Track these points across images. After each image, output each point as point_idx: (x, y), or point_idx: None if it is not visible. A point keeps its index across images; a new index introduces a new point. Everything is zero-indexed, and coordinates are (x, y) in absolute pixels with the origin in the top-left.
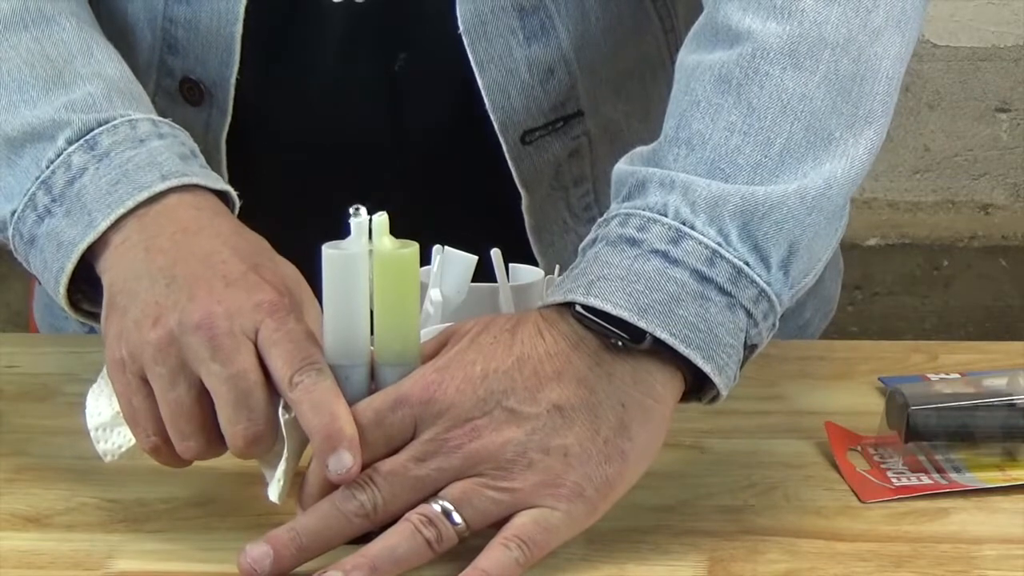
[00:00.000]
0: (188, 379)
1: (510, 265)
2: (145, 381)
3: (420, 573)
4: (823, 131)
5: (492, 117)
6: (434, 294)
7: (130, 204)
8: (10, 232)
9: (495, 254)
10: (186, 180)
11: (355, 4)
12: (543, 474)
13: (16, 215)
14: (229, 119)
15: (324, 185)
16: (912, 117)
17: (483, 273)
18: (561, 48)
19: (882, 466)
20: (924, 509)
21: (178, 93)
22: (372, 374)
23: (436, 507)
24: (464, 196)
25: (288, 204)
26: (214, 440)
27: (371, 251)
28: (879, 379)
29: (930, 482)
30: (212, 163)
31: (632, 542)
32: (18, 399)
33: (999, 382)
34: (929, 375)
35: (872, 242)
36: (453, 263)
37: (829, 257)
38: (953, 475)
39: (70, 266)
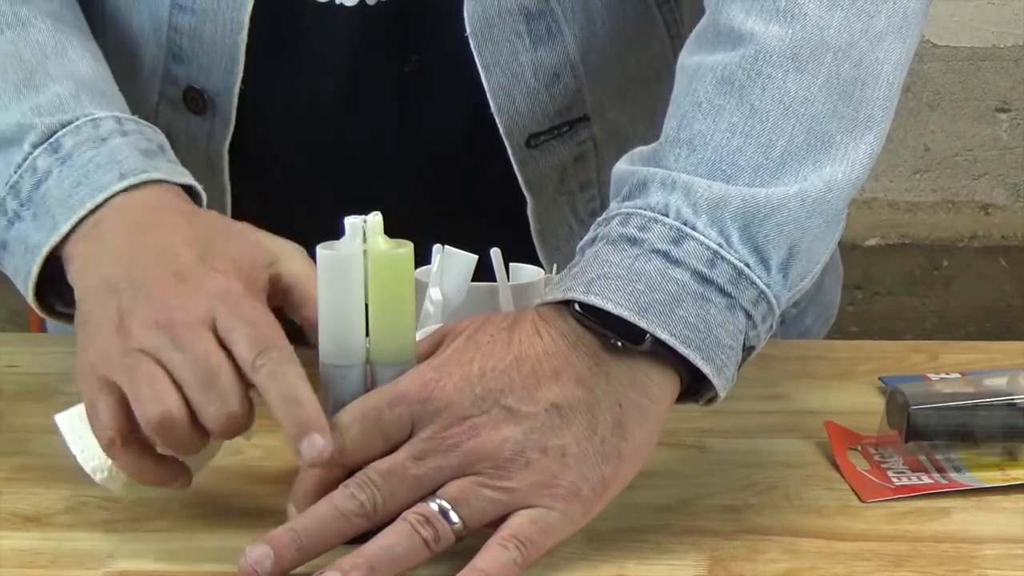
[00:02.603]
0: (152, 361)
1: (510, 265)
2: (109, 382)
3: (418, 573)
4: (824, 134)
5: (497, 120)
6: (434, 293)
7: (89, 206)
8: None
9: (495, 254)
10: (145, 177)
11: (367, 7)
12: (540, 474)
13: None
14: (232, 128)
15: (329, 189)
16: (912, 117)
17: (483, 273)
18: (567, 52)
19: (882, 466)
20: (924, 509)
21: (181, 102)
22: (369, 373)
23: (433, 506)
24: (471, 200)
25: (292, 209)
26: (184, 405)
27: (365, 251)
28: (879, 379)
29: (930, 482)
30: (215, 171)
31: (632, 542)
32: (18, 399)
33: (999, 382)
34: (929, 375)
35: (872, 242)
36: (453, 263)
37: (827, 260)
38: (953, 475)
39: (35, 269)
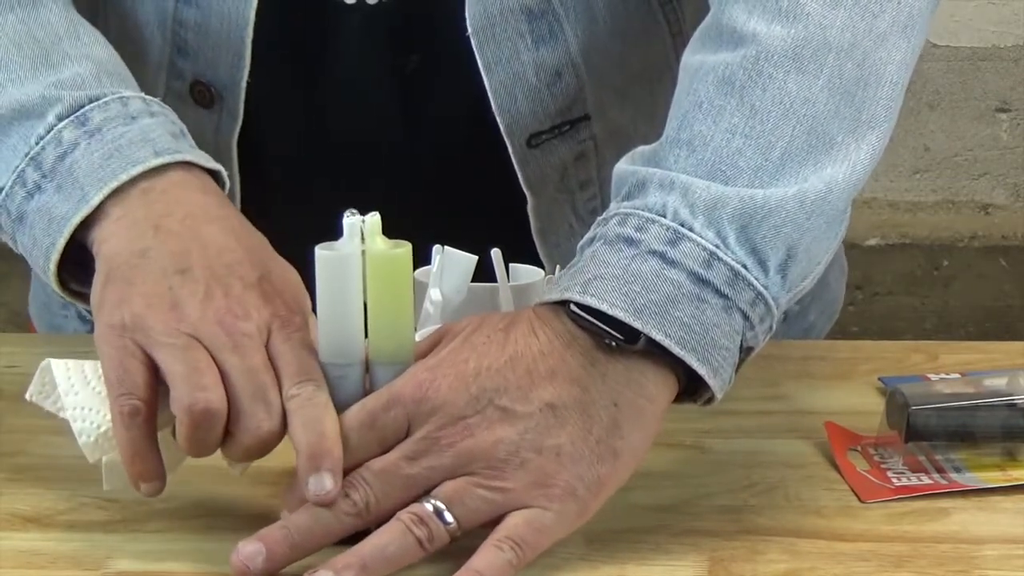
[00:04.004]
0: (208, 356)
1: (510, 265)
2: (145, 352)
3: (413, 573)
4: (825, 135)
5: (498, 120)
6: (434, 294)
7: (124, 178)
8: None
9: (495, 254)
10: (179, 157)
11: (368, 6)
12: (535, 474)
13: (4, 193)
14: (240, 121)
15: (333, 186)
16: (912, 117)
17: (483, 273)
18: (569, 52)
19: (882, 466)
20: (924, 509)
21: (188, 95)
22: (367, 373)
23: (428, 506)
24: (471, 198)
25: (297, 205)
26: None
27: (364, 252)
28: (879, 379)
29: (930, 482)
30: (224, 164)
31: (632, 542)
32: (18, 399)
33: (999, 382)
34: (929, 375)
35: (872, 242)
36: (453, 263)
37: (829, 261)
38: (953, 475)
39: (62, 241)
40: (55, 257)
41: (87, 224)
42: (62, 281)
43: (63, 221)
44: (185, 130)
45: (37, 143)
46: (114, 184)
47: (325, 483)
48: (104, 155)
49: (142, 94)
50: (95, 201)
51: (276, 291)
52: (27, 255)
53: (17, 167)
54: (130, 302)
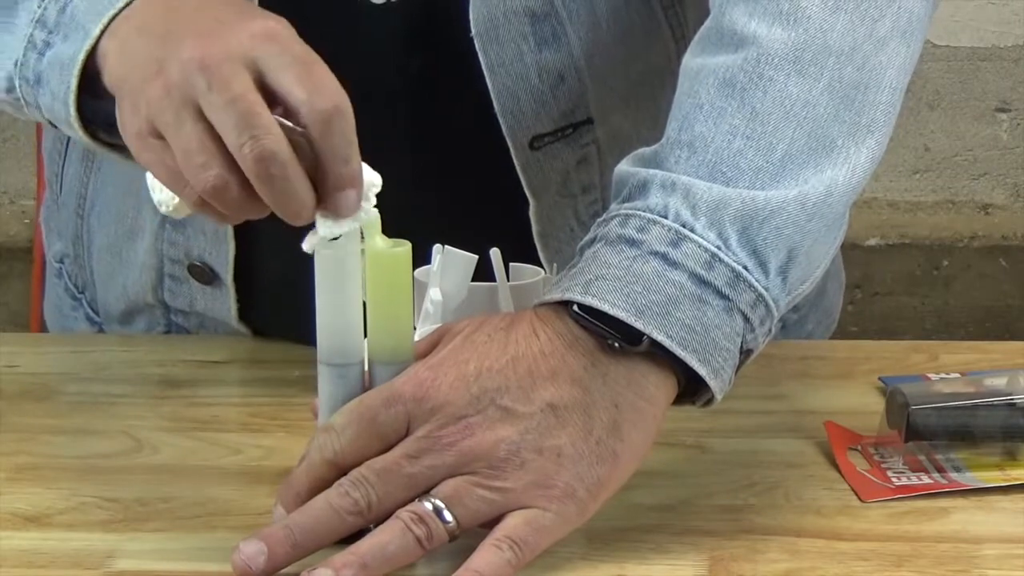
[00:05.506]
0: (193, 115)
1: (510, 265)
2: (157, 135)
3: (412, 572)
4: (825, 138)
5: (501, 121)
6: (434, 293)
7: (120, 4)
8: (17, 83)
9: (495, 254)
10: None
11: (373, 6)
12: (535, 474)
13: (19, 63)
14: None
15: None
16: (912, 117)
17: (483, 273)
18: (572, 55)
19: (882, 465)
20: (924, 509)
21: None
22: (366, 372)
23: (427, 505)
24: (473, 200)
25: None
26: (235, 167)
27: (363, 250)
28: (879, 379)
29: (930, 481)
30: None
31: (632, 542)
32: (18, 399)
33: (999, 382)
34: (929, 375)
35: (872, 242)
36: (453, 262)
37: (828, 264)
38: (953, 475)
39: (74, 81)
40: (72, 100)
41: (97, 63)
42: (93, 134)
43: (72, 61)
44: None
45: (39, 6)
46: (112, 11)
47: (351, 199)
48: None
49: None
50: (96, 32)
51: (259, 15)
52: (51, 116)
53: (27, 34)
54: (135, 101)
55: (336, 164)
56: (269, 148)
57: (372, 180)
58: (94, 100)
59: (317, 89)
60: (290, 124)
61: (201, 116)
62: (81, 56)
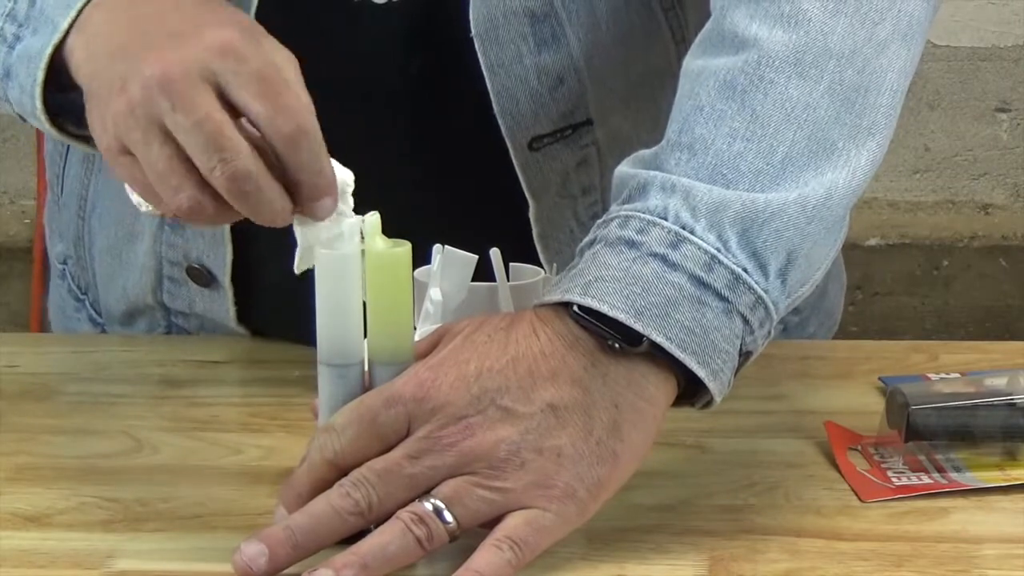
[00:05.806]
0: (160, 136)
1: (510, 265)
2: (126, 151)
3: (412, 572)
4: (826, 141)
5: (500, 122)
6: (434, 293)
7: None
8: None
9: (495, 254)
10: None
11: (374, 6)
12: (536, 475)
13: None
14: None
15: None
16: (912, 117)
17: (483, 273)
18: (572, 56)
19: (882, 465)
20: (924, 509)
21: None
22: (366, 373)
23: (427, 505)
24: (472, 201)
25: None
26: (207, 186)
27: (364, 251)
28: (879, 379)
29: (930, 481)
30: None
31: (632, 542)
32: (18, 399)
33: (999, 382)
34: (929, 375)
35: (872, 242)
36: (453, 263)
37: (828, 267)
38: (953, 475)
39: (41, 74)
40: (38, 93)
41: (65, 59)
42: (61, 126)
43: (39, 54)
44: None
45: (10, 0)
46: (79, 4)
47: (327, 206)
48: None
49: None
50: (64, 25)
51: (214, 24)
52: (20, 110)
53: None
54: (102, 116)
55: (308, 177)
56: (241, 169)
57: (345, 179)
58: (61, 93)
59: (278, 109)
60: (258, 133)
61: (168, 136)
62: (48, 50)
